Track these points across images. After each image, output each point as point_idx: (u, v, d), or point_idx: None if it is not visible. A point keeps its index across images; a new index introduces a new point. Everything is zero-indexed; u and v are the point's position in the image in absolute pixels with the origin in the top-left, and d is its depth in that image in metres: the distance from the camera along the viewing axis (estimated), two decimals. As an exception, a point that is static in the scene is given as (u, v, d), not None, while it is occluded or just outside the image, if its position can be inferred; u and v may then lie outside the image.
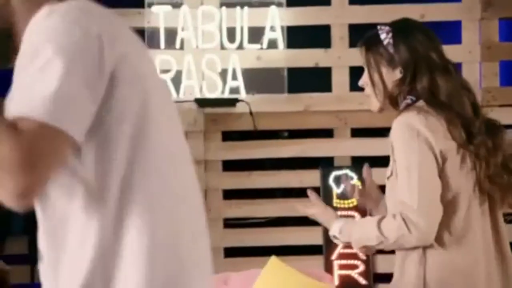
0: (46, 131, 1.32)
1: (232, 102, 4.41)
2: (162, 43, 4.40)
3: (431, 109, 2.39)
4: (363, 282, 4.32)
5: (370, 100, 2.53)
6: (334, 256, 4.34)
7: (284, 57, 4.48)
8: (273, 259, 2.28)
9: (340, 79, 4.51)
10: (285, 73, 4.49)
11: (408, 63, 2.43)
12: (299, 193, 4.48)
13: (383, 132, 4.53)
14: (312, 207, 2.57)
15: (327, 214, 2.54)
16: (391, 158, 2.45)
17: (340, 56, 4.50)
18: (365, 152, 4.45)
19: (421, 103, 2.42)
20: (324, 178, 4.43)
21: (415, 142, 2.36)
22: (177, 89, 4.41)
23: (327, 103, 4.49)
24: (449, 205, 2.40)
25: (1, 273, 2.29)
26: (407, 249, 2.40)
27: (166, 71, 4.40)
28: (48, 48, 1.38)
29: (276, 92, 4.49)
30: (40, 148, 1.32)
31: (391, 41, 2.46)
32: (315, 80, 4.61)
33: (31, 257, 4.31)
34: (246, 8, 4.44)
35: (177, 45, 4.41)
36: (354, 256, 4.32)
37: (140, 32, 4.42)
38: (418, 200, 2.33)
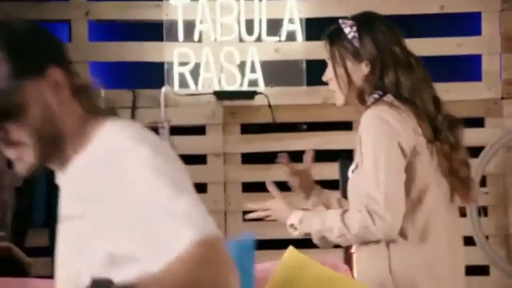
0: (210, 242, 1.34)
1: (250, 95, 4.41)
2: (181, 36, 4.40)
3: (400, 104, 2.38)
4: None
5: (335, 94, 2.51)
6: (353, 249, 4.32)
7: (303, 49, 4.46)
8: (291, 249, 2.28)
9: (359, 71, 4.48)
10: (304, 65, 4.48)
11: (375, 57, 2.42)
12: (319, 185, 4.47)
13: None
14: (271, 201, 2.55)
15: (284, 211, 2.51)
16: (357, 151, 2.42)
17: (359, 48, 4.48)
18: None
19: (389, 97, 2.40)
20: (343, 170, 4.40)
21: (385, 135, 2.34)
22: (196, 82, 4.40)
23: (346, 95, 4.47)
24: (415, 200, 2.38)
25: (22, 265, 2.31)
26: (370, 245, 2.38)
27: (184, 63, 4.40)
28: (159, 176, 1.38)
29: (295, 84, 4.48)
30: (219, 257, 1.34)
31: (356, 34, 2.44)
32: (333, 72, 4.59)
33: (51, 250, 4.33)
34: (264, 0, 4.43)
35: (196, 37, 4.40)
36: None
37: (159, 24, 4.42)
38: (385, 193, 2.30)
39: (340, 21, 2.49)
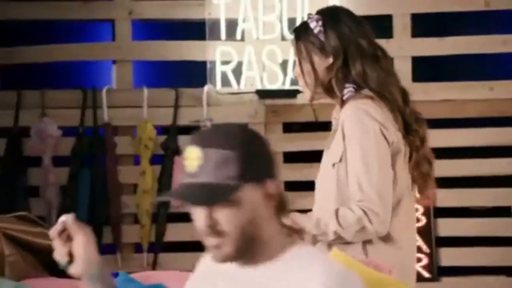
0: None
1: (293, 93, 4.39)
2: (223, 34, 4.40)
3: (378, 98, 2.35)
4: (427, 275, 4.26)
5: (303, 91, 2.49)
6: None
7: (346, 48, 4.43)
8: (335, 250, 2.28)
9: (402, 69, 4.44)
10: (346, 63, 4.45)
11: (338, 50, 2.39)
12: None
13: (448, 123, 4.46)
14: None
15: None
16: (337, 144, 2.36)
17: (402, 46, 4.44)
18: (429, 143, 4.38)
19: (367, 92, 2.37)
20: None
21: (371, 128, 2.31)
22: (238, 81, 4.41)
23: (389, 94, 4.44)
24: (396, 200, 2.35)
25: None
26: (347, 243, 2.35)
27: (226, 62, 4.41)
28: None
29: (338, 83, 4.46)
30: None
31: (321, 29, 2.42)
32: (377, 70, 4.56)
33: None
34: (307, -2, 4.42)
35: (238, 36, 4.40)
36: (417, 249, 4.27)
37: (201, 23, 4.43)
38: (378, 189, 2.27)
39: (307, 16, 2.49)
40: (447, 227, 4.32)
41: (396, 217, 2.35)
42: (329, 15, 2.45)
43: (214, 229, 1.60)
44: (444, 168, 4.37)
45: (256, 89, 4.40)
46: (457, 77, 4.43)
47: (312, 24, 2.43)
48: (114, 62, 4.53)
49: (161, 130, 4.47)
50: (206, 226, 1.61)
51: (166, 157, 4.37)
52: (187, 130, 4.42)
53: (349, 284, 1.59)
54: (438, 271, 4.29)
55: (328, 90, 2.42)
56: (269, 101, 4.43)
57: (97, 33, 4.76)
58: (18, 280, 2.05)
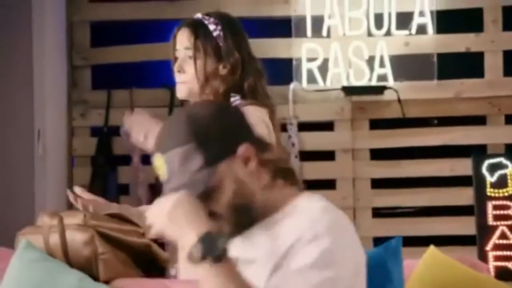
0: None
1: (379, 90, 4.35)
2: (309, 31, 4.39)
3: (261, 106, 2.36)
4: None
5: (180, 86, 2.41)
6: (488, 247, 4.20)
7: (434, 43, 4.36)
8: (432, 248, 2.24)
9: (493, 63, 4.34)
10: (435, 59, 4.38)
11: (237, 60, 2.37)
12: (450, 182, 4.37)
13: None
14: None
15: None
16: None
17: (493, 40, 4.34)
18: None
19: (248, 101, 2.36)
20: (477, 166, 4.29)
21: (268, 137, 2.28)
22: (324, 78, 4.39)
23: (479, 89, 4.34)
24: None
25: (160, 261, 2.35)
26: None
27: (312, 59, 4.39)
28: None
29: (425, 78, 4.39)
30: None
31: (221, 33, 2.37)
32: (466, 65, 4.47)
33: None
34: (393, -7, 4.36)
35: (324, 33, 4.38)
36: (510, 247, 4.17)
37: (287, 20, 4.43)
38: None
39: (203, 17, 2.45)
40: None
41: None
42: (227, 22, 2.44)
43: (210, 213, 1.57)
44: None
45: (342, 85, 4.37)
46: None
47: (211, 27, 2.41)
48: (200, 60, 4.57)
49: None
50: None
51: (253, 155, 4.39)
52: (273, 127, 4.42)
53: (332, 213, 1.58)
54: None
55: (214, 96, 2.40)
56: (355, 98, 4.39)
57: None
58: (112, 279, 2.07)
